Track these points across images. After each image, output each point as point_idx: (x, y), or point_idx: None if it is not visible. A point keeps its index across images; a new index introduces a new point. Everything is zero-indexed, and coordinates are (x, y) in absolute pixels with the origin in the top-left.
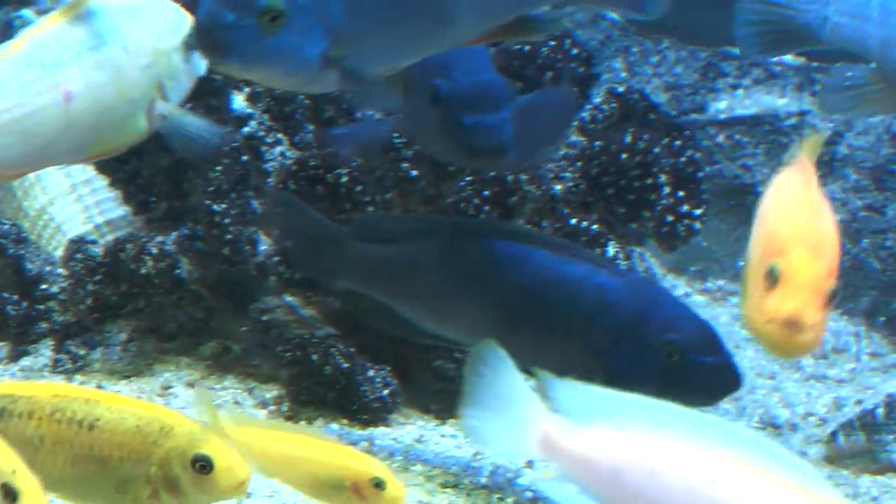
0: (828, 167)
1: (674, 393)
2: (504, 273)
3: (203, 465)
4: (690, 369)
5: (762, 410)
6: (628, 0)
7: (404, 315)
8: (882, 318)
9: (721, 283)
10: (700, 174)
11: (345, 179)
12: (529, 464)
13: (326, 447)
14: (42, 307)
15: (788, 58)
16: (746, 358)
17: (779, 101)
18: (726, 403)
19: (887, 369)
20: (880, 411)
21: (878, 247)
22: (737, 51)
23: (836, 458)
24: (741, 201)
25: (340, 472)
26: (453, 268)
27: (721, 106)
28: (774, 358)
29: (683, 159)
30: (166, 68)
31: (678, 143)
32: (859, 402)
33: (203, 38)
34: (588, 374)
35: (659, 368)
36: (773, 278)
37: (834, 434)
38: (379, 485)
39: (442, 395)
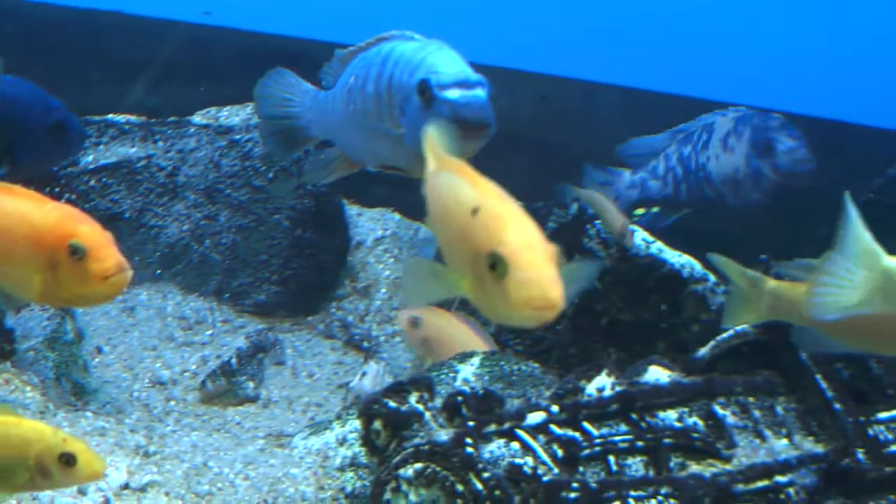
0: (173, 193)
1: None
2: None
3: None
4: None
5: (150, 374)
6: None
7: None
8: (227, 295)
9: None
10: None
11: None
12: None
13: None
14: None
15: (133, 117)
16: (136, 338)
17: (131, 150)
18: (123, 372)
19: (236, 330)
20: (234, 360)
21: (217, 244)
22: (98, 118)
23: (207, 399)
24: (113, 227)
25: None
26: None
27: (90, 159)
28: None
29: (63, 201)
30: None
31: (58, 189)
32: (219, 356)
33: None
34: None
35: None
36: (500, 266)
37: (203, 382)
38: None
39: None
